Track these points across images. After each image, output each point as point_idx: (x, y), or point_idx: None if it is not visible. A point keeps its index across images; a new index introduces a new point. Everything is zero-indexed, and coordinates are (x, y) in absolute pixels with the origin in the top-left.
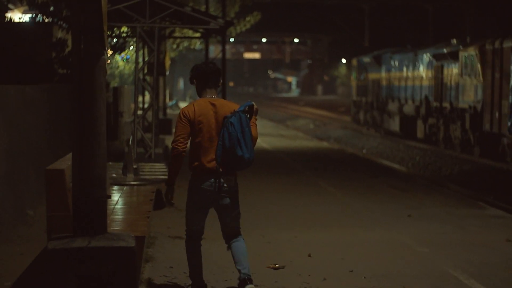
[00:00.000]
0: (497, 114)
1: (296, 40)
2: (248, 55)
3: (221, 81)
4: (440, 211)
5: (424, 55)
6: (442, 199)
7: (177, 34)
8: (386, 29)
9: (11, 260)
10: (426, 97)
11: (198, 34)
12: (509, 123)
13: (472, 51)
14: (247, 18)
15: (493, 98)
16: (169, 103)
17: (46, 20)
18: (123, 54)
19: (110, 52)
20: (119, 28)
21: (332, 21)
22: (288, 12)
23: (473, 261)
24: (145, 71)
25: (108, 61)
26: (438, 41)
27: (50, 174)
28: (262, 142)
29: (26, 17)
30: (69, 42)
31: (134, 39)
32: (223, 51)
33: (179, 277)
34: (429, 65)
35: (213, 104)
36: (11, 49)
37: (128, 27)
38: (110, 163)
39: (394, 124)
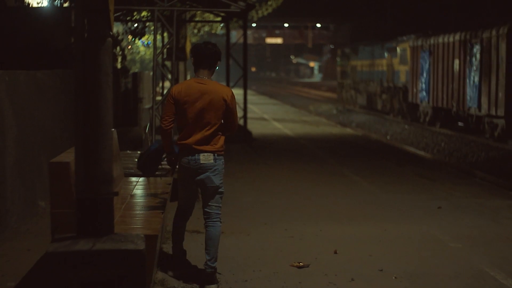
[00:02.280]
0: (415, 90)
1: (318, 25)
2: (270, 40)
3: (218, 63)
4: (470, 202)
5: (382, 48)
6: (472, 189)
7: (198, 18)
8: (408, 14)
9: (17, 257)
10: (381, 80)
11: (219, 19)
12: (420, 96)
13: (404, 46)
14: (269, 2)
15: (413, 80)
16: None
17: (65, 5)
18: (143, 39)
19: (130, 37)
20: (139, 12)
21: (355, 5)
22: None
23: (510, 259)
24: (165, 56)
25: (129, 46)
26: (458, 27)
27: (54, 167)
28: (284, 129)
29: (45, 1)
30: None
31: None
32: (245, 35)
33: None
34: (384, 55)
35: (201, 85)
36: (29, 35)
37: (147, 11)
38: (128, 151)
39: (363, 100)
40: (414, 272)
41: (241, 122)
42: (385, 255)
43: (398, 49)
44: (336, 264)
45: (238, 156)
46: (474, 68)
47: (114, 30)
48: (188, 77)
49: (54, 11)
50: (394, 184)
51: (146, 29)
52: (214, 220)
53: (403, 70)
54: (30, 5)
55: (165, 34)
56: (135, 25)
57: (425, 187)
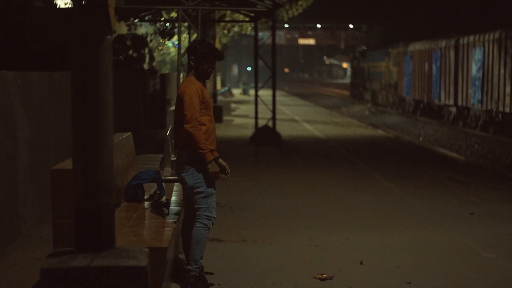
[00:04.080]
0: (402, 87)
1: (351, 26)
2: (302, 41)
3: (192, 58)
4: (504, 207)
5: (382, 52)
6: (506, 194)
7: (228, 18)
8: (439, 16)
9: (26, 267)
10: (381, 78)
11: (248, 19)
12: (405, 91)
13: (395, 52)
14: (299, 2)
15: (400, 78)
16: (220, 90)
17: None
18: (174, 40)
19: (160, 39)
20: (169, 13)
21: (388, 7)
22: None
23: None
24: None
25: (160, 48)
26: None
27: (56, 174)
28: (314, 130)
29: None
30: (116, 28)
31: (185, 24)
32: (273, 35)
33: None
34: (382, 58)
35: None
36: (55, 36)
37: (176, 11)
38: (152, 155)
39: (368, 95)
40: (444, 286)
41: (270, 123)
42: (414, 266)
43: (392, 54)
44: (361, 276)
45: (265, 159)
46: (436, 70)
47: (143, 30)
48: (218, 78)
49: None
50: (424, 188)
51: (175, 30)
52: (196, 220)
53: (395, 71)
54: (58, 6)
55: (195, 35)
56: (167, 25)
57: (457, 191)
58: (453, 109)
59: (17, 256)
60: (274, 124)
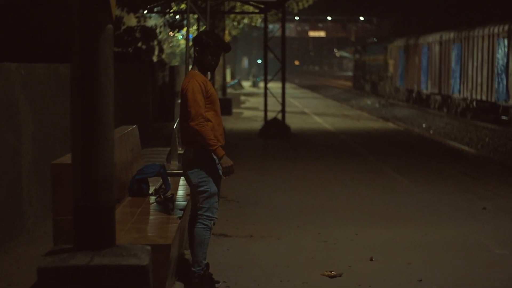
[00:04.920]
0: (396, 77)
1: (361, 18)
2: (313, 34)
3: (196, 49)
4: None
5: (381, 46)
6: None
7: (238, 10)
8: (450, 8)
9: (29, 264)
10: (379, 71)
11: (258, 10)
12: (399, 81)
13: (392, 46)
14: None
15: (395, 70)
16: (230, 82)
17: None
18: (183, 32)
19: (170, 31)
20: (178, 5)
21: None
22: None
23: None
24: None
25: (170, 40)
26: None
27: (56, 169)
28: (324, 123)
29: None
30: (125, 20)
31: (194, 16)
32: (283, 27)
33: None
34: (381, 52)
35: None
36: (63, 28)
37: (177, 1)
38: (159, 148)
39: (368, 86)
40: (456, 283)
41: (279, 116)
42: (425, 263)
43: (389, 48)
44: (371, 273)
45: (274, 152)
46: (424, 63)
47: (152, 22)
48: (228, 71)
49: None
50: (435, 182)
51: (185, 21)
52: (198, 219)
53: (391, 64)
54: None
55: (204, 27)
56: (177, 17)
57: (468, 186)
58: (438, 97)
59: (20, 252)
60: (283, 116)
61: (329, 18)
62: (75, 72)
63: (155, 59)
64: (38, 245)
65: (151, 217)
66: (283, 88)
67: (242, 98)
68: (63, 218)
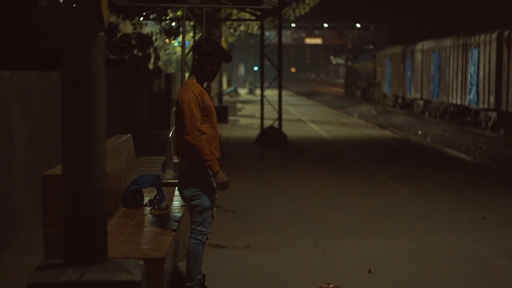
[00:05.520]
0: (384, 84)
1: (358, 25)
2: (309, 41)
3: (196, 57)
4: None
5: (370, 55)
6: None
7: (234, 17)
8: (448, 15)
9: (21, 274)
10: (368, 77)
11: (254, 17)
12: (386, 88)
13: (380, 54)
14: (306, 1)
15: (383, 77)
16: (226, 89)
17: None
18: (179, 39)
19: (166, 38)
20: (174, 12)
21: (395, 5)
22: None
23: None
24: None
25: (167, 48)
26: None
27: (47, 180)
28: (321, 131)
29: None
30: (121, 27)
31: (191, 23)
32: (279, 34)
33: None
34: (371, 60)
35: None
36: (60, 34)
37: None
38: (154, 157)
39: (358, 92)
40: None
41: (275, 124)
42: (424, 275)
43: (377, 56)
44: (370, 285)
45: (271, 161)
46: (408, 70)
47: (148, 29)
48: (224, 78)
49: None
50: (434, 191)
51: (181, 29)
52: (191, 233)
53: (379, 71)
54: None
55: (200, 34)
56: (173, 24)
57: (467, 194)
58: (421, 102)
59: (13, 263)
60: (280, 124)
61: (325, 25)
62: (65, 80)
63: (151, 66)
64: (31, 255)
65: (145, 229)
66: (280, 95)
67: (239, 105)
68: (54, 231)
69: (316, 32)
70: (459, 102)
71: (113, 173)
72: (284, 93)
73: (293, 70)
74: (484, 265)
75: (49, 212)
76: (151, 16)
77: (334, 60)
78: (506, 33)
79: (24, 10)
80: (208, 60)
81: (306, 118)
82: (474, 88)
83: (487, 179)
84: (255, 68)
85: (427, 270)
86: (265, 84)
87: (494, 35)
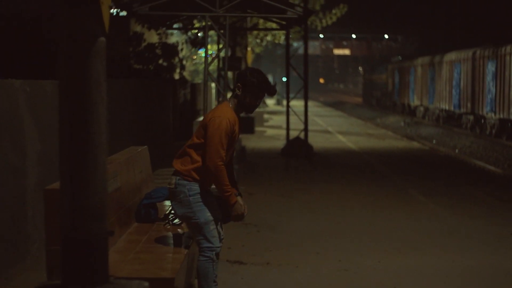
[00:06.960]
0: (394, 93)
1: (386, 36)
2: (337, 51)
3: (239, 85)
4: None
5: (384, 67)
6: None
7: (260, 27)
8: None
9: None
10: (382, 88)
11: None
12: (395, 96)
13: (391, 67)
14: (333, 11)
15: (393, 87)
16: None
17: (121, 14)
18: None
19: (192, 49)
20: (200, 21)
21: (423, 16)
22: (377, 7)
23: None
24: (220, 65)
25: (194, 57)
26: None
27: (49, 195)
28: (348, 142)
29: None
30: (146, 36)
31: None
32: (305, 43)
33: None
34: (384, 72)
35: None
36: None
37: (198, 17)
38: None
39: (374, 102)
40: None
41: (301, 135)
42: None
43: (388, 68)
44: None
45: (296, 173)
46: (412, 81)
47: (174, 39)
48: None
49: (112, 20)
50: (463, 206)
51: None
52: (199, 252)
53: (390, 82)
54: None
55: (222, 44)
56: (199, 34)
57: (498, 209)
58: (422, 108)
59: (23, 280)
60: (306, 135)
61: (353, 36)
62: (62, 89)
63: (176, 76)
64: (43, 271)
65: (156, 246)
66: (306, 106)
67: (266, 116)
68: (57, 248)
69: (344, 43)
70: (447, 107)
71: (125, 186)
72: (311, 103)
73: (321, 81)
74: None
75: (51, 229)
76: (176, 26)
77: (362, 71)
78: (478, 52)
79: (43, 23)
80: (251, 90)
81: (333, 129)
82: (457, 97)
83: None
84: (284, 79)
85: None
86: (291, 95)
87: (470, 53)
